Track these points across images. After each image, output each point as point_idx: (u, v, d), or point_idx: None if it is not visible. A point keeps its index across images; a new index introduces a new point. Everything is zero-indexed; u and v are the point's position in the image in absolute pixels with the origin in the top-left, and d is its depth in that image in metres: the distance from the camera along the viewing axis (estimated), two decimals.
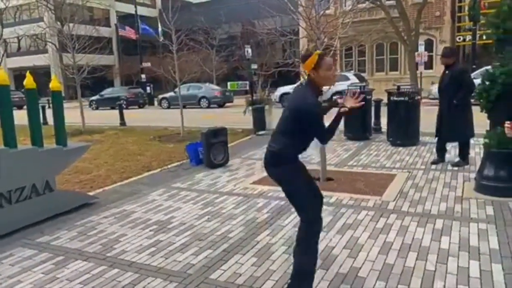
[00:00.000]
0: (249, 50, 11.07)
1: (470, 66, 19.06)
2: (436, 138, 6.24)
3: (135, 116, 16.59)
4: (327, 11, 6.20)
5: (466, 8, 22.66)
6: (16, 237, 4.05)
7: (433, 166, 6.02)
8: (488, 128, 4.71)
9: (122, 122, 13.87)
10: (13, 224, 4.14)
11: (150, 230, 4.10)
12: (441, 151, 6.23)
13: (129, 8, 38.93)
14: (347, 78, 16.18)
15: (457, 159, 6.12)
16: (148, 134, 10.87)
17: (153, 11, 41.82)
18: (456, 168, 5.83)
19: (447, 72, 5.82)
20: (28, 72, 4.63)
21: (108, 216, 4.58)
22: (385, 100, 8.91)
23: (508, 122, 3.89)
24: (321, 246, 3.46)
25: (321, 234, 3.69)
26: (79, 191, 5.55)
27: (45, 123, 12.42)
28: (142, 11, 35.55)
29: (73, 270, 3.32)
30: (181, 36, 9.79)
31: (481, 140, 7.49)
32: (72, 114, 15.31)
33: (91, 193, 5.43)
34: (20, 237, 4.06)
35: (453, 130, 5.80)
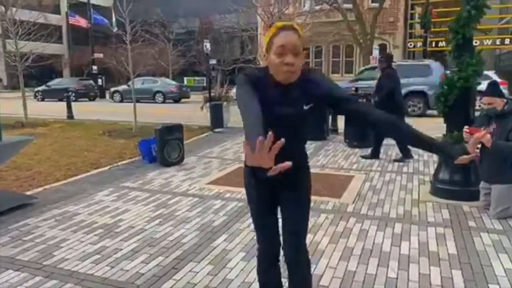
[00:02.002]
0: (208, 45, 10.75)
1: None
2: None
3: (85, 109, 15.70)
4: (287, 11, 6.12)
5: (417, 15, 23.68)
6: None
7: (389, 168, 6.07)
8: (444, 132, 4.76)
9: (70, 114, 13.03)
10: None
11: (95, 235, 3.74)
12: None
13: None
14: None
15: (399, 156, 6.54)
16: (98, 128, 10.25)
17: (107, 0, 40.05)
18: (411, 171, 5.91)
19: (380, 75, 6.59)
20: None
21: (48, 218, 4.15)
22: None
23: (467, 127, 3.91)
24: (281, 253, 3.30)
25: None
26: (15, 190, 5.03)
27: None
28: (95, 0, 33.89)
29: (2, 282, 2.91)
30: (135, 27, 9.30)
31: None
32: (15, 104, 14.25)
33: (29, 193, 4.94)
34: None
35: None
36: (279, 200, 2.12)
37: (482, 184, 4.20)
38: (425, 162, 6.42)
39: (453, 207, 4.32)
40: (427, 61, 14.08)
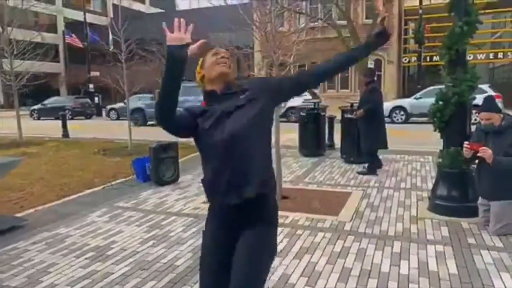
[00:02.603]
0: None
1: (416, 86, 20.00)
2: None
3: (81, 127, 15.66)
4: (281, 28, 6.12)
5: (411, 31, 23.94)
6: None
7: (386, 184, 6.00)
8: (441, 148, 4.71)
9: (65, 133, 12.97)
10: None
11: (86, 258, 3.63)
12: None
13: (78, 15, 37.41)
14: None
15: (361, 168, 6.72)
16: (93, 147, 10.15)
17: (103, 20, 40.40)
18: (409, 186, 5.85)
19: (366, 89, 6.64)
20: None
21: (38, 241, 4.05)
22: (339, 117, 9.00)
23: (467, 142, 3.88)
24: (277, 274, 3.22)
25: (277, 260, 3.47)
26: (5, 212, 4.92)
27: None
28: (92, 19, 34.25)
29: None
30: (131, 45, 9.31)
31: (430, 158, 7.77)
32: (11, 123, 14.15)
33: (20, 215, 4.83)
34: None
35: (365, 139, 6.58)
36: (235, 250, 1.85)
37: (480, 201, 4.13)
38: (423, 177, 6.36)
39: (452, 223, 4.24)
40: None
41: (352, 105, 7.52)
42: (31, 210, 5.06)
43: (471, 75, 4.34)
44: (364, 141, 6.58)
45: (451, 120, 4.45)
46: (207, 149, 1.88)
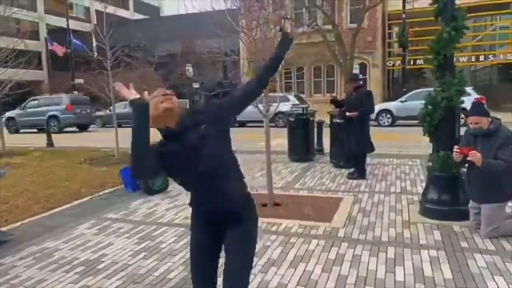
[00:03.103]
0: (190, 69, 10.70)
1: (401, 89, 20.25)
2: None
3: (66, 136, 15.37)
4: (269, 35, 6.10)
5: (394, 34, 24.29)
6: None
7: (377, 189, 6.02)
8: (431, 152, 4.75)
9: (50, 142, 12.72)
10: None
11: (76, 273, 3.53)
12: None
13: (61, 22, 36.92)
14: (287, 99, 16.35)
15: (352, 169, 6.77)
16: (79, 156, 9.96)
17: (87, 26, 39.98)
18: (399, 191, 5.88)
19: (354, 93, 6.63)
20: None
21: (25, 256, 3.93)
22: (327, 121, 9.03)
23: (457, 146, 3.91)
24: (273, 283, 3.18)
25: (272, 269, 3.43)
26: None
27: None
28: (75, 25, 33.86)
29: None
30: (116, 52, 9.20)
31: (418, 161, 7.84)
32: None
33: (5, 229, 4.68)
34: None
35: (355, 143, 6.58)
36: (222, 246, 2.18)
37: (471, 204, 4.17)
38: (412, 181, 6.41)
39: (444, 227, 4.27)
40: None
41: (335, 98, 7.55)
42: (17, 224, 4.92)
43: (459, 80, 4.39)
44: (356, 144, 6.56)
45: (440, 124, 4.49)
46: (186, 183, 2.12)
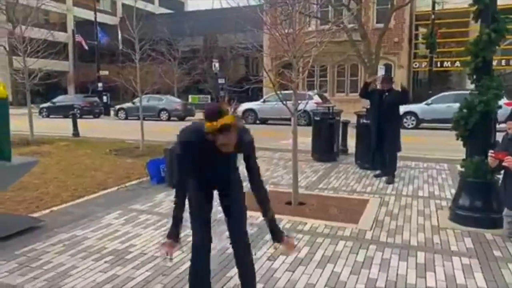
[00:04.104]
0: (217, 65, 10.74)
1: (425, 91, 19.86)
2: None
3: (90, 126, 15.67)
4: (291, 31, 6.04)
5: (420, 36, 23.80)
6: None
7: (404, 192, 5.91)
8: (463, 156, 4.63)
9: (76, 132, 12.99)
10: None
11: (106, 262, 3.59)
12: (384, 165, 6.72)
13: (88, 14, 37.61)
14: (311, 98, 16.22)
15: (378, 171, 6.75)
16: (104, 146, 10.15)
17: (113, 19, 40.60)
18: (427, 195, 5.76)
19: (387, 94, 6.48)
20: None
21: (56, 243, 4.01)
22: (351, 121, 8.94)
23: (492, 151, 3.79)
24: (301, 283, 3.16)
25: (300, 268, 3.41)
26: (21, 212, 4.89)
27: None
28: (102, 18, 34.38)
29: None
30: (144, 46, 9.30)
31: (446, 165, 7.68)
32: (20, 122, 14.19)
33: (36, 215, 4.80)
34: None
35: (392, 143, 6.47)
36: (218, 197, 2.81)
37: (505, 212, 4.05)
38: (441, 186, 6.27)
39: (476, 235, 4.16)
40: None
41: (367, 110, 7.42)
42: (47, 211, 5.03)
43: (498, 83, 4.26)
44: (392, 144, 6.43)
45: (475, 128, 4.37)
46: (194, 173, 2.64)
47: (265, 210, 2.68)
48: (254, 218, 4.69)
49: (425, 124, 15.79)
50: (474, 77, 4.44)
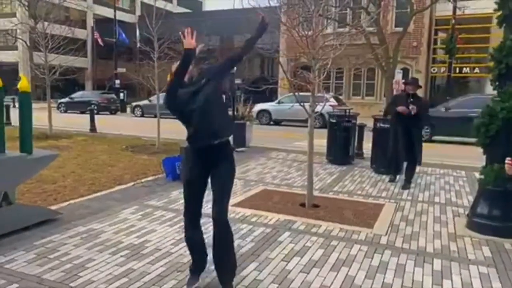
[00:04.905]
0: None
1: (443, 97, 19.58)
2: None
3: (107, 123, 15.84)
4: (309, 32, 6.02)
5: (439, 41, 23.48)
6: None
7: (420, 198, 5.84)
8: (483, 164, 4.56)
9: (93, 128, 13.18)
10: None
11: (122, 256, 3.64)
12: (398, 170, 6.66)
13: (107, 12, 38.12)
14: (328, 100, 16.15)
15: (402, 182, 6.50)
16: (120, 143, 10.29)
17: (132, 17, 41.08)
18: (444, 201, 5.68)
19: (412, 99, 6.27)
20: None
21: (73, 235, 4.08)
22: (368, 124, 8.87)
23: (509, 158, 3.72)
24: (315, 285, 3.15)
25: (315, 270, 3.41)
26: (40, 204, 4.99)
27: (8, 123, 11.56)
28: (120, 16, 34.80)
29: None
30: (163, 44, 9.39)
31: (463, 173, 7.56)
32: (38, 116, 14.46)
33: (54, 207, 4.89)
34: None
35: (415, 152, 6.34)
36: (210, 175, 2.98)
37: None
38: (458, 192, 6.18)
39: (494, 243, 4.09)
40: None
41: (386, 114, 7.34)
42: (65, 204, 5.12)
43: None
44: (418, 149, 6.34)
45: (496, 135, 4.29)
46: (187, 120, 2.95)
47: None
48: (268, 218, 4.74)
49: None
50: (497, 83, 4.37)
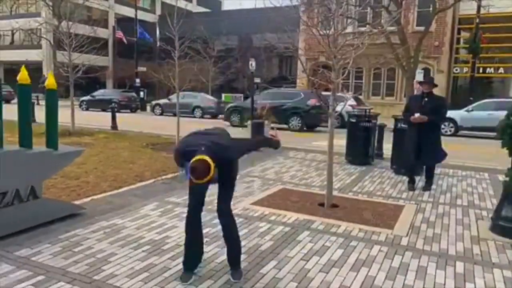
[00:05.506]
0: (253, 63, 10.83)
1: (465, 98, 19.18)
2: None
3: (127, 121, 16.10)
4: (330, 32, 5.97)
5: (462, 40, 22.99)
6: None
7: (441, 200, 5.75)
8: (507, 166, 4.45)
9: (114, 125, 13.41)
10: None
11: (143, 251, 3.70)
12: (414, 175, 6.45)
13: (128, 11, 38.73)
14: (348, 99, 16.03)
15: (422, 183, 6.40)
16: (141, 140, 10.44)
17: (152, 17, 41.61)
18: (466, 204, 5.57)
19: (426, 99, 6.12)
20: (23, 66, 4.25)
21: (96, 230, 4.17)
22: (386, 125, 8.77)
23: None
24: (334, 284, 3.15)
25: (334, 270, 3.40)
26: (64, 199, 5.11)
27: (33, 120, 11.85)
28: (141, 15, 35.30)
29: None
30: (184, 43, 9.48)
31: (486, 175, 7.40)
32: (61, 113, 14.78)
33: (77, 202, 5.00)
34: None
35: (433, 152, 6.16)
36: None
37: None
38: (481, 195, 6.05)
39: None
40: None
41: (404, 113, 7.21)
42: (88, 199, 5.23)
43: None
44: (433, 152, 6.15)
45: None
46: None
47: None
48: (287, 217, 4.74)
49: (464, 132, 15.25)
50: None
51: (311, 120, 15.45)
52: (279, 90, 18.57)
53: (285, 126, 14.93)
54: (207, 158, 2.78)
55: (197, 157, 2.79)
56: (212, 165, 2.78)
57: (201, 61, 24.24)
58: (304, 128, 15.54)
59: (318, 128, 15.76)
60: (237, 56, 29.51)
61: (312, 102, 14.92)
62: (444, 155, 6.29)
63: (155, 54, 30.23)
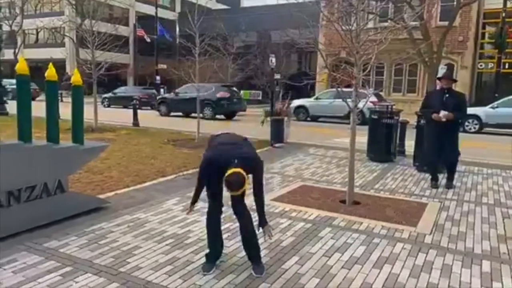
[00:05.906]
0: (274, 60, 10.82)
1: (490, 94, 18.69)
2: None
3: (148, 117, 16.32)
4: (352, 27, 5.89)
5: (487, 35, 22.36)
6: (20, 240, 3.72)
7: (466, 198, 5.63)
8: None
9: (136, 122, 13.61)
10: (19, 225, 3.82)
11: (167, 245, 3.76)
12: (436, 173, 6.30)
13: (148, 9, 39.16)
14: (370, 96, 15.84)
15: (445, 181, 6.25)
16: (162, 136, 10.58)
17: (172, 14, 41.98)
18: (492, 202, 5.45)
19: (447, 95, 5.95)
20: (50, 63, 4.37)
21: (121, 224, 4.25)
22: (408, 122, 8.63)
23: None
24: (357, 282, 3.13)
25: (356, 267, 3.38)
26: (89, 193, 5.23)
27: (58, 117, 12.13)
28: (161, 13, 35.67)
29: (82, 285, 2.98)
30: (204, 40, 9.55)
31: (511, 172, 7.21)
32: (84, 110, 15.09)
33: (102, 196, 5.11)
34: (25, 239, 3.74)
35: (454, 150, 6.06)
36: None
37: None
38: (507, 193, 5.90)
39: None
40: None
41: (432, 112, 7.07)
42: (112, 193, 5.33)
43: None
44: (454, 150, 6.07)
45: None
46: None
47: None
48: (308, 214, 4.73)
49: (488, 129, 14.88)
50: None
51: (220, 110, 17.98)
52: (193, 84, 18.75)
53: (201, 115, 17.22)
54: (241, 171, 2.94)
55: (232, 170, 2.93)
56: (246, 177, 2.97)
57: (220, 58, 24.37)
58: (216, 116, 17.80)
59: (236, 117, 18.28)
60: (256, 52, 29.49)
61: (220, 94, 17.67)
62: (458, 154, 6.21)
63: (175, 51, 30.51)
